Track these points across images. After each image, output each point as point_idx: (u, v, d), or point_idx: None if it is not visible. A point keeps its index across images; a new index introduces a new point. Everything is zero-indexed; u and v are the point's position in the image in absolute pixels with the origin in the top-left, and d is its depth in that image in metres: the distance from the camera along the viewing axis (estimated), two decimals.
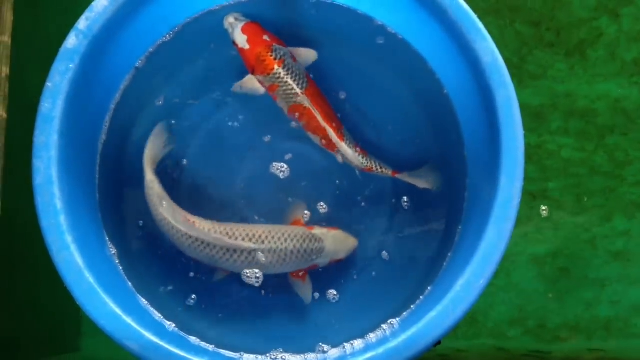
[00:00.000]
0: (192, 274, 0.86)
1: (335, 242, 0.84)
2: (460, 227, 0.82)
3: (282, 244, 0.81)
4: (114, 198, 0.84)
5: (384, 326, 0.79)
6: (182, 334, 0.79)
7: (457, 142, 0.83)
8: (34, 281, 0.97)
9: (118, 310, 0.71)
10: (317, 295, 0.86)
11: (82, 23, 0.75)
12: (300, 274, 0.85)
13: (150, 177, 0.82)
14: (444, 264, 0.81)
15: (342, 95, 0.90)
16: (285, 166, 0.89)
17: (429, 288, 0.80)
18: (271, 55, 0.83)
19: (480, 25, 0.76)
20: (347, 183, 0.90)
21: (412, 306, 0.80)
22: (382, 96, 0.90)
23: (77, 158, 0.77)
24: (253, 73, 0.85)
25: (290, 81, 0.84)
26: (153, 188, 0.81)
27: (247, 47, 0.84)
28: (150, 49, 0.85)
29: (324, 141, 0.86)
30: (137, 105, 0.86)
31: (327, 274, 0.87)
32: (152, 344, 0.71)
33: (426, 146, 0.89)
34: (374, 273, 0.88)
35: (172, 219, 0.80)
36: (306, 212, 0.87)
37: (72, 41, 0.75)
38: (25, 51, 0.90)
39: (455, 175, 0.84)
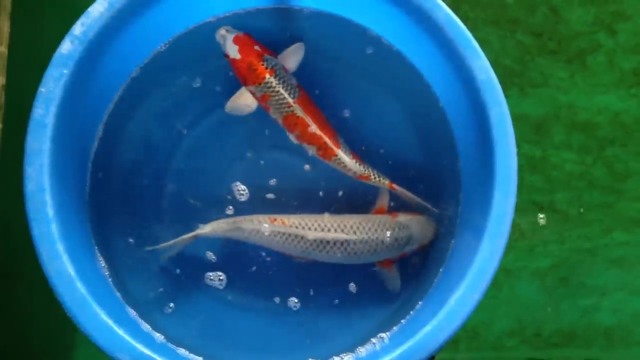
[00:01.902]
0: (178, 284, 0.85)
1: (421, 227, 0.86)
2: (452, 242, 0.82)
3: (373, 234, 0.84)
4: (103, 207, 0.83)
5: (373, 340, 0.79)
6: (170, 345, 0.78)
7: (452, 156, 0.84)
8: (28, 291, 0.95)
9: (110, 322, 0.70)
10: (299, 306, 0.86)
11: (77, 28, 0.74)
12: (385, 263, 0.87)
13: (205, 230, 0.83)
14: (435, 279, 0.81)
15: (336, 107, 0.90)
16: (246, 190, 0.88)
17: (419, 303, 0.80)
18: (262, 64, 0.84)
19: (475, 43, 0.78)
20: (337, 196, 0.90)
21: (402, 321, 0.80)
22: (376, 108, 0.91)
23: (69, 166, 0.76)
24: (245, 84, 0.85)
25: (282, 90, 0.84)
26: (215, 227, 0.83)
27: (238, 57, 0.84)
28: (146, 59, 0.83)
29: (320, 151, 0.86)
30: (130, 115, 0.85)
31: (311, 285, 0.87)
32: (144, 356, 0.70)
33: (421, 158, 0.90)
34: (358, 286, 0.88)
35: (258, 228, 0.83)
36: None
37: (66, 46, 0.74)
38: (22, 61, 0.88)
39: (449, 189, 0.85)
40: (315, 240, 0.83)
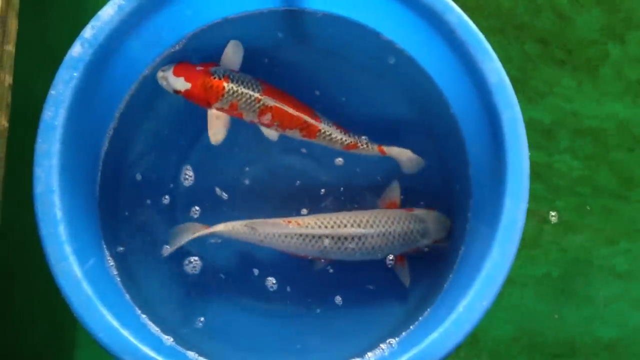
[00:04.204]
0: (190, 287, 0.86)
1: (436, 221, 0.86)
2: (462, 249, 0.81)
3: (389, 227, 0.84)
4: (114, 208, 0.84)
5: (382, 346, 0.78)
6: (179, 348, 0.78)
7: (463, 162, 0.83)
8: (31, 292, 0.96)
9: (115, 323, 0.70)
10: (310, 310, 0.86)
11: (87, 32, 0.75)
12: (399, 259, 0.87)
13: (218, 228, 0.83)
14: (444, 285, 0.80)
15: (346, 110, 0.89)
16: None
17: (428, 309, 0.79)
18: (214, 78, 0.83)
19: (487, 45, 0.76)
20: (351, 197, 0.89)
21: (411, 327, 0.79)
22: (387, 113, 0.90)
23: (78, 167, 0.76)
24: (210, 106, 0.84)
25: (244, 90, 0.83)
26: (229, 228, 0.83)
27: (188, 85, 0.83)
28: (157, 59, 0.84)
29: (303, 132, 0.85)
30: (141, 115, 0.85)
31: (322, 290, 0.87)
32: (149, 358, 0.70)
33: (431, 165, 0.88)
34: (369, 290, 0.87)
35: (274, 230, 0.83)
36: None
37: (77, 49, 0.74)
38: (29, 60, 0.89)
39: (459, 196, 0.84)
40: (332, 238, 0.82)
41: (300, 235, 0.83)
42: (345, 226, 0.83)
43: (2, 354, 0.92)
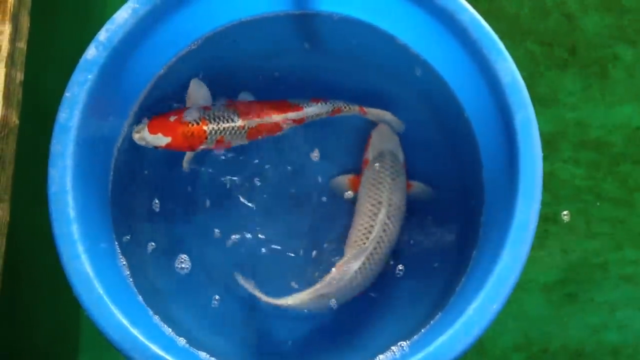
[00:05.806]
0: (202, 288, 0.86)
1: (382, 139, 0.88)
2: (474, 252, 0.80)
3: (396, 202, 0.85)
4: (126, 207, 0.84)
5: (393, 348, 0.78)
6: (192, 349, 0.78)
7: (476, 166, 0.82)
8: (36, 290, 0.97)
9: (125, 322, 0.71)
10: (324, 315, 0.86)
11: (102, 35, 0.76)
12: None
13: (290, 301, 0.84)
14: (457, 288, 0.79)
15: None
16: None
17: (439, 313, 0.78)
18: (192, 125, 0.80)
19: (501, 45, 0.76)
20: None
21: (422, 330, 0.78)
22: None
23: (92, 167, 0.77)
24: (194, 150, 0.83)
25: (225, 125, 0.81)
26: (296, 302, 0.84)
27: (169, 139, 0.80)
28: (172, 60, 0.85)
29: (294, 123, 0.85)
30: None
31: None
32: (158, 357, 0.70)
33: (444, 169, 0.88)
34: (385, 294, 0.87)
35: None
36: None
37: (91, 52, 0.76)
38: (41, 58, 0.89)
39: (472, 200, 0.83)
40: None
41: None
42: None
43: (7, 353, 0.93)
